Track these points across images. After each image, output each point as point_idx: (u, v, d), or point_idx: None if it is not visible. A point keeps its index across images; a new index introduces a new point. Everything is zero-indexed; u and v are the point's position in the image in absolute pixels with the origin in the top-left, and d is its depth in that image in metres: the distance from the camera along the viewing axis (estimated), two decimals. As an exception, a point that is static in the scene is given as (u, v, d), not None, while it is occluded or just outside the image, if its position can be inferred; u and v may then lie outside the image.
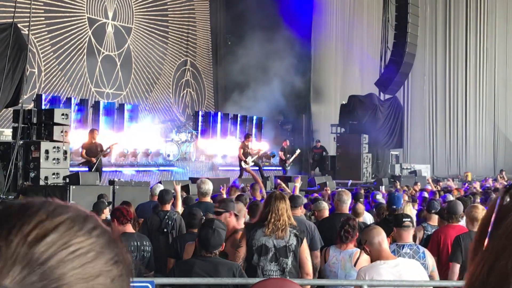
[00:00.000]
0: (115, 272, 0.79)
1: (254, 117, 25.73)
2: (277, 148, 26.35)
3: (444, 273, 6.76)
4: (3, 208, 0.79)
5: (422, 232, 7.67)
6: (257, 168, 19.76)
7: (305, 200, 8.52)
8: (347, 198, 7.71)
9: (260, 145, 25.32)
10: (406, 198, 10.89)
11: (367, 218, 8.90)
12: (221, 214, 6.19)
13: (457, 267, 6.11)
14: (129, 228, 6.62)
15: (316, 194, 12.12)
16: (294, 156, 22.19)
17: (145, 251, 6.59)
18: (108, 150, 15.79)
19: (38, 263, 0.74)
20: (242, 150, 19.07)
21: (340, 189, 8.83)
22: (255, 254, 5.62)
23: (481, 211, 6.35)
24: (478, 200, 11.20)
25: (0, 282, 0.73)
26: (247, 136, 19.86)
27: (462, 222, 7.15)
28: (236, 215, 6.39)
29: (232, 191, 10.82)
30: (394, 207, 8.13)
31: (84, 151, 15.53)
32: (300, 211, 7.52)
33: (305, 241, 5.80)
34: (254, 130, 25.56)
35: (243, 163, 18.95)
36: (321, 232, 7.11)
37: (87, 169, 15.15)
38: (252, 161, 19.16)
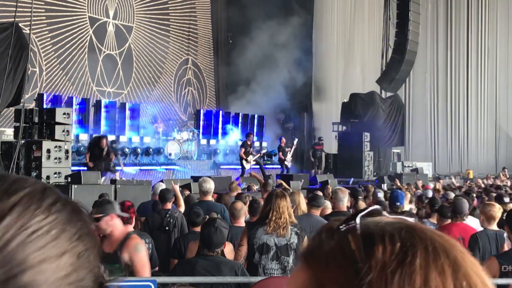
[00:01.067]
0: (81, 247, 0.76)
1: (256, 116, 25.73)
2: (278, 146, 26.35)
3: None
4: None
5: None
6: (258, 166, 19.77)
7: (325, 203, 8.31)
8: (344, 196, 7.67)
9: (260, 144, 25.35)
10: (409, 196, 10.87)
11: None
12: (101, 220, 5.33)
13: None
14: (129, 228, 6.63)
15: (320, 193, 12.09)
16: (293, 148, 22.08)
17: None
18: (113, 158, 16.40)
19: None
20: (243, 149, 19.09)
21: (336, 187, 8.76)
22: (256, 252, 5.62)
23: (498, 209, 6.34)
24: (486, 198, 11.18)
25: None
26: (248, 135, 19.86)
27: (466, 221, 7.15)
28: (120, 217, 5.54)
29: (233, 187, 10.84)
30: (398, 204, 8.14)
31: (89, 154, 15.88)
32: (319, 212, 7.36)
33: (306, 239, 5.79)
34: (255, 128, 25.57)
35: (244, 162, 18.97)
36: None
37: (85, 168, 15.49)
38: (254, 160, 19.18)
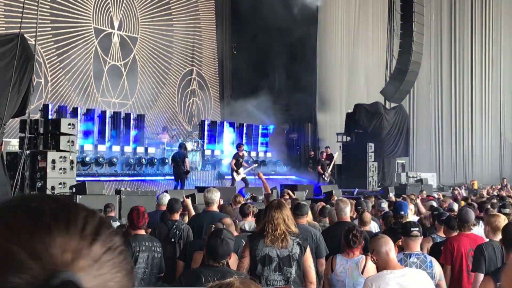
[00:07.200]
0: None
1: (260, 126, 25.74)
2: (283, 157, 26.34)
3: (457, 282, 6.71)
4: None
5: (431, 243, 7.60)
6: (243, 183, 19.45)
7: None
8: (345, 206, 7.66)
9: (263, 154, 25.34)
10: (412, 207, 10.83)
11: (373, 226, 8.88)
12: None
13: (481, 276, 5.84)
14: (141, 232, 6.84)
15: (322, 204, 12.09)
16: (333, 162, 21.78)
17: (155, 252, 6.75)
18: None
19: None
20: (235, 160, 18.96)
21: (337, 198, 8.75)
22: (259, 264, 5.58)
23: (503, 220, 6.32)
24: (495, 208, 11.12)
25: None
26: (238, 146, 19.68)
27: (474, 230, 7.13)
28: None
29: (238, 200, 10.80)
30: (402, 212, 8.14)
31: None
32: (306, 220, 7.46)
33: (308, 249, 5.72)
34: (260, 139, 25.56)
35: (235, 174, 18.88)
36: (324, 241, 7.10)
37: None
38: (244, 173, 19.09)
